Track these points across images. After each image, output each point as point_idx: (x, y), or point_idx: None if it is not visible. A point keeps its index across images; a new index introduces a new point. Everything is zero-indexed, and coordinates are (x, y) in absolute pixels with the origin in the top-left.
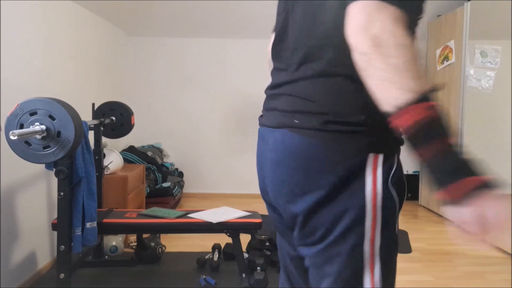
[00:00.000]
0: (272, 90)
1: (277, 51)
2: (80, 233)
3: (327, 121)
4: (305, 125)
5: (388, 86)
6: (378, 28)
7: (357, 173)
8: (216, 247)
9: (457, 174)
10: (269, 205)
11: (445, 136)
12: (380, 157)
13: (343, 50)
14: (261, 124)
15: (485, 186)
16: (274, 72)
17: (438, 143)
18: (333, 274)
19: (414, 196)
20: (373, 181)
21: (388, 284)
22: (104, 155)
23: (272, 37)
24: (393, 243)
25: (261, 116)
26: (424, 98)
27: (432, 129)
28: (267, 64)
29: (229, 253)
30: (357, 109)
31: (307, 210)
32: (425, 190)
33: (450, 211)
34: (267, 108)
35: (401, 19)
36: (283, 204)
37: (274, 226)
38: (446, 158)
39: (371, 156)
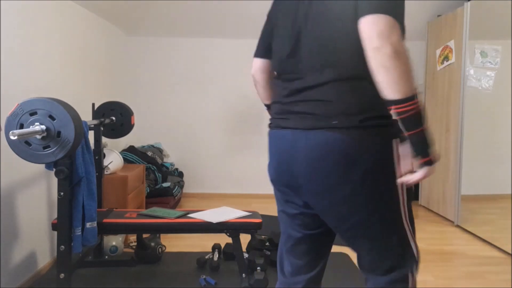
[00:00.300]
0: (289, 98)
1: (288, 64)
2: (80, 233)
3: (361, 120)
4: (343, 125)
5: (403, 83)
6: (395, 40)
7: (389, 155)
8: (216, 247)
9: (422, 153)
10: (296, 194)
11: (423, 124)
12: (397, 141)
13: (364, 55)
14: (279, 127)
15: (431, 161)
16: (282, 83)
17: (419, 128)
18: (383, 232)
19: (414, 196)
20: (397, 158)
21: (412, 221)
22: (104, 155)
23: (256, 61)
24: (409, 192)
25: (276, 119)
26: (416, 96)
27: (418, 118)
28: (256, 85)
29: (229, 253)
30: (380, 106)
31: (354, 191)
32: (425, 190)
33: (420, 169)
34: (285, 112)
35: (402, 37)
36: (327, 191)
37: (285, 216)
38: (420, 139)
39: (394, 142)
